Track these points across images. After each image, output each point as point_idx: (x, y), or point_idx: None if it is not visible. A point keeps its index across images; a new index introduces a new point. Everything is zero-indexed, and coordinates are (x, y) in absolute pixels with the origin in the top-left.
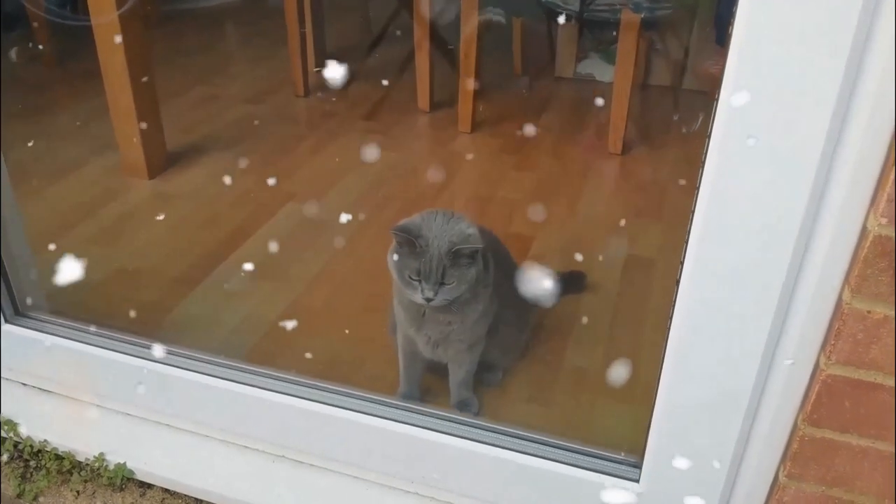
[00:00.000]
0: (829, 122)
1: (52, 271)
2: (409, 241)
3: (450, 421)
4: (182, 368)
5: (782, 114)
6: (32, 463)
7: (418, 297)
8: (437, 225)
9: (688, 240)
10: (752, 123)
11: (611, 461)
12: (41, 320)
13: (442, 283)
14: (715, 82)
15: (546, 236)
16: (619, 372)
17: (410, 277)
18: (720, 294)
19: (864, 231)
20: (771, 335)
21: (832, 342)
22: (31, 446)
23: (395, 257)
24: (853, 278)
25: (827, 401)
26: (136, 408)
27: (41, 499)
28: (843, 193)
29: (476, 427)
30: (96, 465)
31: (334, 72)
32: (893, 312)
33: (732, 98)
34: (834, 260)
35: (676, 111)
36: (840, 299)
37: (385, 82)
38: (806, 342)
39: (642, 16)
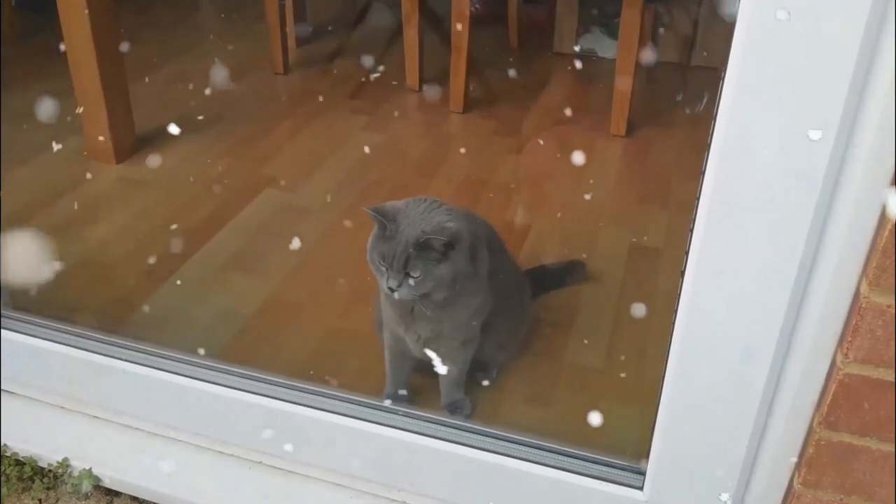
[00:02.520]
0: (843, 104)
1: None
2: (381, 225)
3: (440, 424)
4: (152, 367)
5: (791, 91)
6: None
7: (384, 285)
8: (418, 212)
9: (692, 229)
10: (760, 103)
11: (613, 467)
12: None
13: (407, 275)
14: None
15: (544, 224)
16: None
17: (379, 263)
18: (727, 288)
19: (882, 219)
20: (783, 331)
21: (849, 339)
22: None
23: (372, 236)
24: (871, 270)
25: (844, 402)
26: (102, 410)
27: None
28: (859, 179)
29: (468, 430)
30: (60, 471)
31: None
32: None
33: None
34: (850, 250)
35: (684, 89)
36: (857, 292)
37: (371, 59)
38: (821, 339)
39: None
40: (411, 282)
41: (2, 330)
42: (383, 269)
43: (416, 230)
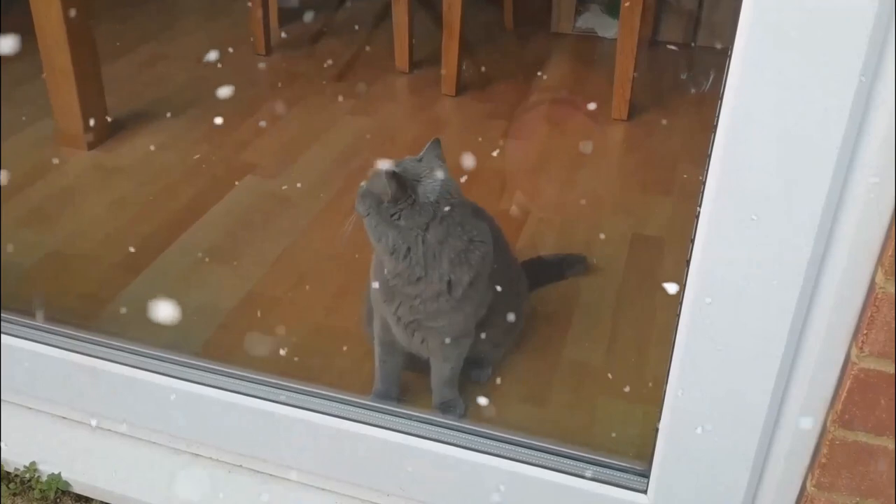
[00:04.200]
0: (856, 85)
1: None
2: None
3: (431, 424)
4: (125, 365)
5: (801, 71)
6: None
7: None
8: (426, 167)
9: (698, 215)
10: (768, 84)
11: (615, 469)
12: None
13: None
14: None
15: (541, 213)
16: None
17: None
18: (735, 278)
19: None
20: (794, 323)
21: (864, 332)
22: None
23: None
24: (886, 259)
25: (859, 399)
26: (72, 411)
27: None
28: (873, 165)
29: (461, 431)
30: (27, 475)
31: None
32: None
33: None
34: (864, 237)
35: (689, 71)
36: (872, 283)
37: (358, 39)
38: (835, 332)
39: None
40: (364, 194)
41: None
42: None
43: (412, 173)
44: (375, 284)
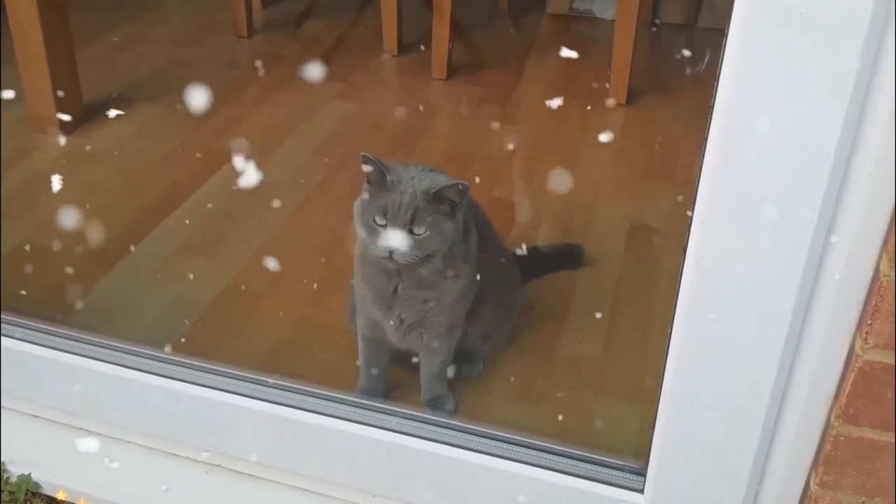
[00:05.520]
0: (857, 66)
1: None
2: (380, 175)
3: (420, 421)
4: (99, 360)
5: (800, 53)
6: None
7: (381, 247)
8: (417, 171)
9: (695, 202)
10: (765, 67)
11: (611, 468)
12: None
13: (411, 231)
14: None
15: (535, 202)
16: None
17: (375, 221)
18: (734, 267)
19: None
20: (795, 314)
21: (868, 322)
22: None
23: (361, 199)
24: (891, 245)
25: (864, 392)
26: (42, 408)
27: None
28: (876, 150)
29: (451, 428)
30: None
31: None
32: None
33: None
34: (868, 224)
35: (690, 53)
36: (877, 270)
37: (345, 20)
38: (838, 322)
39: None
40: (416, 240)
41: None
42: (381, 226)
43: (425, 182)
44: (366, 292)
